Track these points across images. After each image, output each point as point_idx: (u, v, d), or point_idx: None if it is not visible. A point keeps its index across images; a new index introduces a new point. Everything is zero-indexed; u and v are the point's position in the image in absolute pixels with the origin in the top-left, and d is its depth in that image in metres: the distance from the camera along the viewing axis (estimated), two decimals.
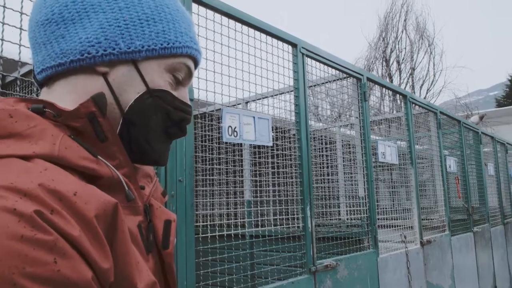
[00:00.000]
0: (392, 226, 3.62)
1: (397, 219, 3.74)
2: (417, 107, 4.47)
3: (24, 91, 2.82)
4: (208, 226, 1.96)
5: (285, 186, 2.87)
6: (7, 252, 0.44)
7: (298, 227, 2.51)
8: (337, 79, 3.17)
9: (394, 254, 3.29)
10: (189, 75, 0.78)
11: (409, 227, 3.79)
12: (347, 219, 3.87)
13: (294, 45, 2.55)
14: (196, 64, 0.80)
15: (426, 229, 4.05)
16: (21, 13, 1.23)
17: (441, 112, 4.77)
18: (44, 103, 0.64)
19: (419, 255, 3.69)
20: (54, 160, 0.57)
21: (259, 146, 3.49)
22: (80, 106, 0.63)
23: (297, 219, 2.53)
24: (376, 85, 3.76)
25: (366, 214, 3.12)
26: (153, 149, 0.72)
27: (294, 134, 2.61)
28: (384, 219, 3.61)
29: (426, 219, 4.32)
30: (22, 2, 1.23)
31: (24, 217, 0.46)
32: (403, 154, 3.94)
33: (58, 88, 0.69)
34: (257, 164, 3.65)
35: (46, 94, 0.71)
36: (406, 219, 3.86)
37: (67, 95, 0.68)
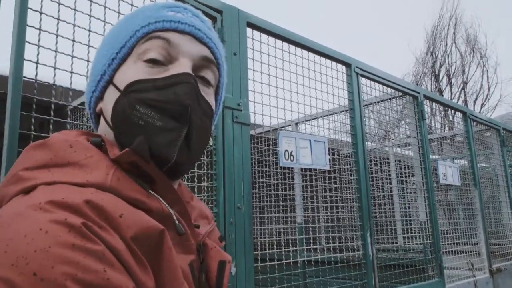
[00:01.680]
0: (455, 252, 3.39)
1: (458, 244, 3.50)
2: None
3: (79, 120, 2.92)
4: (267, 254, 1.89)
5: (341, 210, 2.77)
6: (60, 259, 0.45)
7: (358, 254, 2.39)
8: (392, 98, 3.06)
9: (462, 284, 3.07)
10: (169, 44, 0.68)
11: (475, 253, 3.54)
12: (405, 244, 3.68)
13: (348, 65, 2.49)
14: (179, 31, 0.70)
15: (494, 256, 3.76)
16: (89, 46, 1.26)
17: (504, 129, 4.50)
18: (102, 138, 0.67)
19: (489, 285, 3.42)
20: (106, 190, 0.58)
21: (310, 169, 3.41)
22: (121, 156, 0.63)
23: (356, 245, 2.41)
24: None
25: (429, 240, 2.94)
26: (151, 147, 0.64)
27: (347, 156, 2.52)
28: (445, 245, 3.39)
29: (493, 245, 4.02)
30: (89, 35, 1.26)
31: (74, 228, 0.48)
32: (463, 174, 3.72)
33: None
34: (307, 187, 3.56)
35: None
36: (471, 244, 3.61)
37: (101, 132, 0.73)
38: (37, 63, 1.14)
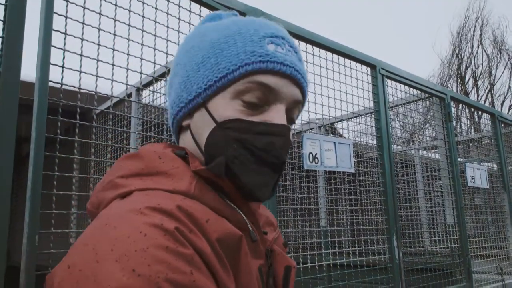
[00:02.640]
0: (483, 256, 3.29)
1: (487, 248, 3.39)
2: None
3: (112, 123, 2.95)
4: (292, 257, 1.87)
5: (365, 213, 2.72)
6: (155, 259, 0.51)
7: (384, 257, 2.34)
8: (419, 99, 3.00)
9: None
10: (269, 90, 0.69)
11: (504, 257, 3.43)
12: (431, 248, 3.59)
13: (373, 67, 2.45)
14: (284, 75, 0.70)
15: None
16: (113, 50, 1.26)
17: None
18: (186, 150, 0.73)
19: None
20: (190, 197, 0.65)
21: (334, 172, 3.37)
22: (199, 171, 0.68)
23: (382, 248, 2.36)
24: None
25: (457, 243, 2.86)
26: (242, 183, 0.68)
27: (372, 158, 2.47)
28: (473, 248, 3.29)
29: None
30: (114, 39, 1.27)
31: (169, 232, 0.54)
32: (491, 177, 3.61)
33: (179, 145, 0.80)
34: (332, 190, 3.52)
35: None
36: (499, 248, 3.50)
37: (184, 144, 0.77)
38: (63, 67, 1.14)
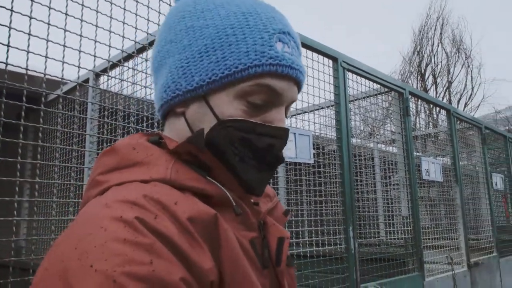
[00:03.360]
0: (435, 247, 3.42)
1: (438, 239, 3.53)
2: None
3: (65, 109, 2.85)
4: None
5: (324, 205, 2.76)
6: (112, 252, 0.51)
7: (340, 248, 2.39)
8: (378, 94, 3.06)
9: (441, 277, 3.10)
10: (274, 93, 0.70)
11: (454, 248, 3.58)
12: (387, 239, 3.70)
13: (335, 59, 2.47)
14: (289, 78, 0.71)
15: (472, 251, 3.82)
16: (65, 31, 1.20)
17: (486, 127, 4.55)
18: (160, 135, 0.74)
19: (467, 279, 3.47)
20: (168, 182, 0.65)
21: (294, 163, 3.40)
22: (179, 146, 0.68)
23: (338, 239, 2.41)
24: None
25: (411, 234, 2.96)
26: (241, 179, 0.71)
27: (333, 151, 2.51)
28: (426, 239, 3.42)
29: (471, 240, 4.08)
30: (65, 19, 1.21)
31: (128, 223, 0.54)
32: (445, 171, 3.76)
33: (165, 126, 0.79)
34: (292, 182, 3.55)
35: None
36: (450, 239, 3.65)
37: (169, 133, 0.76)
38: (8, 45, 1.07)
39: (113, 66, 1.73)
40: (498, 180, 4.65)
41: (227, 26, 0.69)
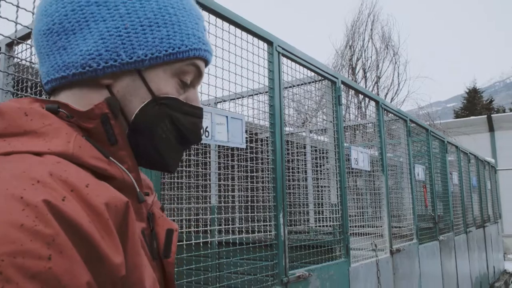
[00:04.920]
0: (361, 234, 3.54)
1: (365, 227, 3.66)
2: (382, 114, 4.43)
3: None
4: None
5: (255, 191, 2.73)
6: (4, 238, 0.43)
7: (270, 235, 2.36)
8: (312, 82, 3.06)
9: (365, 263, 3.21)
10: (199, 75, 0.75)
11: (378, 235, 3.73)
12: (316, 226, 3.77)
13: (270, 43, 2.42)
14: (206, 63, 0.77)
15: (394, 238, 4.00)
16: None
17: (411, 120, 4.77)
18: (59, 103, 0.65)
19: (389, 264, 3.62)
20: (68, 158, 0.58)
21: (226, 148, 3.34)
22: (95, 107, 0.64)
23: (268, 226, 2.38)
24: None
25: (339, 222, 3.02)
26: (162, 157, 0.71)
27: (267, 137, 2.47)
28: (353, 227, 3.52)
29: (394, 227, 4.28)
30: None
31: (30, 206, 0.46)
32: (372, 162, 3.88)
33: (64, 98, 0.69)
34: (224, 167, 3.48)
35: None
36: (375, 227, 3.80)
37: (74, 105, 0.67)
38: None
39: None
40: (420, 171, 4.90)
41: (168, 5, 0.70)
